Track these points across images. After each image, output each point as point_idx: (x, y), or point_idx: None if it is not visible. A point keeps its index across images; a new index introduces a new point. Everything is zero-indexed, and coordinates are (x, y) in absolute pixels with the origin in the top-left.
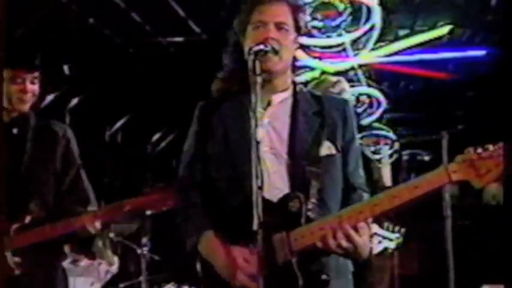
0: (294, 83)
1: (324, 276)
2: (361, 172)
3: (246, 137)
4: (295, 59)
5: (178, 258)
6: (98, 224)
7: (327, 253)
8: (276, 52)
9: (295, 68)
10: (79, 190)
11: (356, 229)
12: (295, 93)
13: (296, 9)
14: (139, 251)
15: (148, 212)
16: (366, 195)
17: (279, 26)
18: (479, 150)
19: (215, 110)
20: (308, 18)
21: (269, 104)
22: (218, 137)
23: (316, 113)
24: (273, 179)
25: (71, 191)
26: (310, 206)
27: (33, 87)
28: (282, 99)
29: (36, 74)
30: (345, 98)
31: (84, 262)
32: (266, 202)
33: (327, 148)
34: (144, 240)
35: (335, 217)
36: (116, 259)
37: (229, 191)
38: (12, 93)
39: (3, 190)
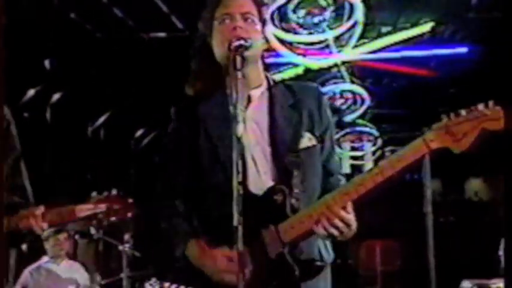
0: (267, 77)
1: (318, 263)
2: (336, 157)
3: (227, 133)
4: (264, 55)
5: (160, 255)
6: (45, 225)
7: (312, 242)
8: (249, 47)
9: (267, 65)
10: (17, 178)
11: (345, 209)
12: (269, 87)
13: (258, 2)
14: (120, 248)
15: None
16: (342, 179)
17: (245, 17)
18: (453, 115)
19: (192, 110)
20: (292, 14)
21: (249, 100)
22: (201, 137)
23: (292, 105)
24: (262, 175)
25: (8, 176)
26: (294, 196)
27: None
28: (260, 94)
29: None
30: (315, 85)
31: (65, 263)
32: (252, 197)
33: (307, 140)
34: (126, 236)
35: (322, 203)
36: (99, 278)
37: (216, 191)
38: None
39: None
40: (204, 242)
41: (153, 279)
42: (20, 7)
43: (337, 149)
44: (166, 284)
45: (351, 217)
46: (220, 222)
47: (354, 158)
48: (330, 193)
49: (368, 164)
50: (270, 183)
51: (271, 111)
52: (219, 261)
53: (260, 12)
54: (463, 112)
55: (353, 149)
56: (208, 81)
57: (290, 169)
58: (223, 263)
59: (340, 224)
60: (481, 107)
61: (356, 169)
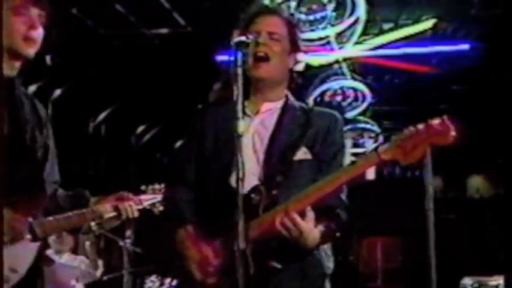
0: (287, 96)
1: (273, 264)
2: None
3: (233, 136)
4: (292, 74)
5: (161, 251)
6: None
7: (283, 244)
8: (267, 59)
9: (292, 83)
10: (54, 169)
11: (302, 214)
12: (285, 105)
13: (290, 24)
14: (121, 244)
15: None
16: (340, 211)
17: (271, 36)
18: (411, 128)
19: (210, 113)
20: (294, 14)
21: (257, 112)
22: (210, 138)
23: (301, 124)
24: (249, 175)
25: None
26: (270, 197)
27: (40, 30)
28: (270, 108)
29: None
30: (334, 113)
31: (67, 256)
32: (235, 193)
33: (302, 153)
34: (128, 233)
35: (283, 205)
36: (100, 263)
37: (215, 186)
38: (15, 30)
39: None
40: (193, 230)
41: (154, 275)
42: None
43: None
44: (167, 280)
45: (304, 224)
46: (218, 214)
47: (355, 154)
48: (294, 196)
49: None
50: (255, 183)
51: (277, 125)
52: (195, 253)
53: (291, 34)
54: (414, 127)
55: (354, 145)
56: (230, 90)
57: (276, 174)
58: (197, 256)
59: (290, 226)
60: (431, 122)
61: None
